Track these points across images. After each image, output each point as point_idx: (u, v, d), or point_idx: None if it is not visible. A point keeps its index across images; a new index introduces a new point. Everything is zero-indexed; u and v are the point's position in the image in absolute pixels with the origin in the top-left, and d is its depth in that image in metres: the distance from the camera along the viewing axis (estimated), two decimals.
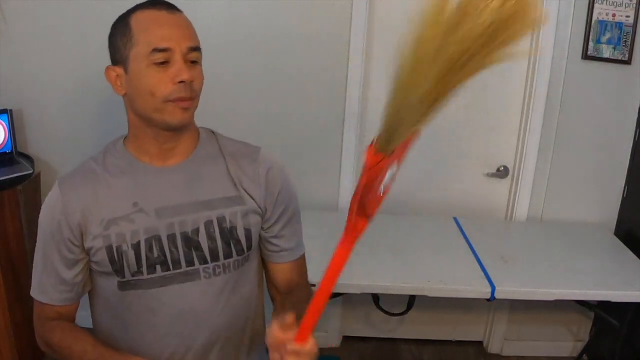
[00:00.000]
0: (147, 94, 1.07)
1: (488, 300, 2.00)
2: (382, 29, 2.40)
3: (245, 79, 2.40)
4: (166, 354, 1.18)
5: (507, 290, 2.01)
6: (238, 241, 1.16)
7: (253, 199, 1.18)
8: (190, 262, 1.13)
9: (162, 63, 1.06)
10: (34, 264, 1.18)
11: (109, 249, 1.11)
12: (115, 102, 2.60)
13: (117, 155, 1.17)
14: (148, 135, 1.13)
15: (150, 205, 1.13)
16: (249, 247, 1.19)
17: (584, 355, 2.69)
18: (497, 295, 1.99)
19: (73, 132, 2.46)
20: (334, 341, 2.76)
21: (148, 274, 1.12)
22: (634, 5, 2.32)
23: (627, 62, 2.38)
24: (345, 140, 2.47)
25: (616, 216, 2.62)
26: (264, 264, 1.29)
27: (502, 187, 2.64)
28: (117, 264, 1.11)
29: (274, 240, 1.24)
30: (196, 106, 1.14)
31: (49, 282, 1.16)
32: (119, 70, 1.11)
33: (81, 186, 1.13)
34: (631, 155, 2.53)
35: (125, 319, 1.18)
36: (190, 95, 1.08)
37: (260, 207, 1.19)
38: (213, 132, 1.25)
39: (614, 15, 2.33)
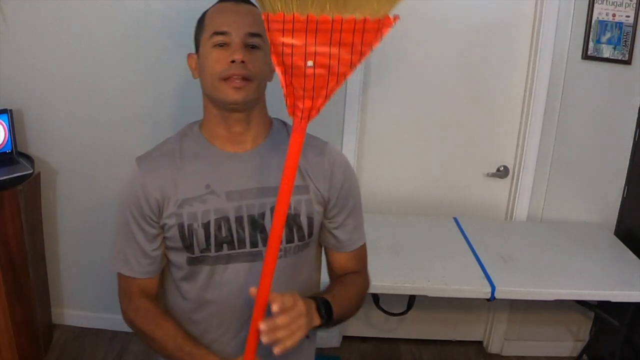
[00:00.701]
0: (208, 74, 1.16)
1: (488, 300, 2.00)
2: None
3: None
4: (222, 329, 1.26)
5: (507, 290, 2.01)
6: (300, 227, 1.22)
7: (318, 189, 1.24)
8: (254, 244, 1.20)
9: (222, 45, 1.15)
10: (115, 241, 1.25)
11: (181, 226, 1.18)
12: (116, 103, 2.59)
13: (192, 138, 1.24)
14: (217, 118, 1.21)
15: (221, 188, 1.19)
16: (310, 235, 1.25)
17: (584, 355, 2.69)
18: (497, 295, 1.99)
19: (73, 132, 2.46)
20: (334, 341, 2.76)
21: (215, 251, 1.19)
22: (634, 5, 2.32)
23: (627, 62, 2.38)
24: (345, 141, 2.47)
25: (616, 216, 2.62)
26: (325, 251, 1.36)
27: (502, 187, 2.64)
28: (187, 241, 1.19)
29: (335, 232, 1.30)
30: (257, 90, 1.19)
31: (132, 255, 1.23)
32: (195, 57, 1.23)
33: (159, 167, 1.21)
34: (631, 155, 2.53)
35: (190, 292, 1.25)
36: (242, 74, 1.14)
37: (324, 198, 1.25)
38: (285, 123, 1.31)
39: (614, 15, 2.33)
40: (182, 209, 1.18)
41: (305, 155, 1.24)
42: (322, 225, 1.29)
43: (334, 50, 0.95)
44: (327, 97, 0.99)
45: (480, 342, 2.85)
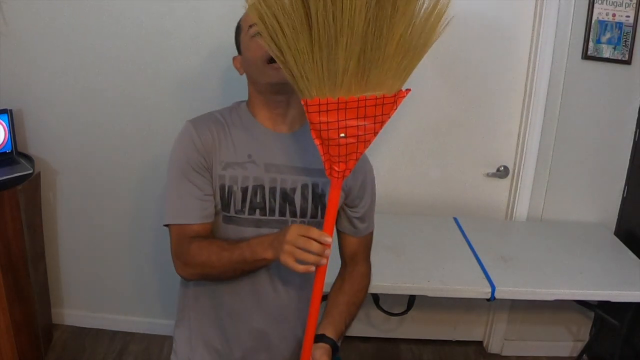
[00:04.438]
0: (252, 62, 1.30)
1: (488, 300, 2.01)
2: None
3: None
4: (247, 286, 1.38)
5: (507, 290, 2.01)
6: (324, 206, 1.36)
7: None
8: (282, 213, 1.35)
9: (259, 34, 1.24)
10: (168, 196, 1.35)
11: (222, 187, 1.32)
12: (116, 103, 2.59)
13: (240, 113, 1.40)
14: (261, 102, 1.36)
15: (261, 160, 1.34)
16: None
17: (584, 355, 2.70)
18: (497, 295, 1.99)
19: (73, 132, 2.46)
20: None
21: (248, 214, 1.33)
22: (634, 5, 2.32)
23: (627, 62, 2.38)
24: None
25: (616, 216, 2.62)
26: (338, 234, 1.50)
27: (502, 187, 2.64)
28: (225, 200, 1.33)
29: (355, 221, 1.46)
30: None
31: (188, 203, 1.33)
32: (239, 58, 1.38)
33: (209, 128, 1.34)
34: (631, 155, 2.53)
35: None
36: None
37: (346, 187, 1.40)
38: None
39: (614, 15, 2.33)
40: (225, 171, 1.32)
41: None
42: (344, 212, 1.44)
43: (361, 122, 1.13)
44: (356, 159, 1.17)
45: (480, 342, 2.85)
